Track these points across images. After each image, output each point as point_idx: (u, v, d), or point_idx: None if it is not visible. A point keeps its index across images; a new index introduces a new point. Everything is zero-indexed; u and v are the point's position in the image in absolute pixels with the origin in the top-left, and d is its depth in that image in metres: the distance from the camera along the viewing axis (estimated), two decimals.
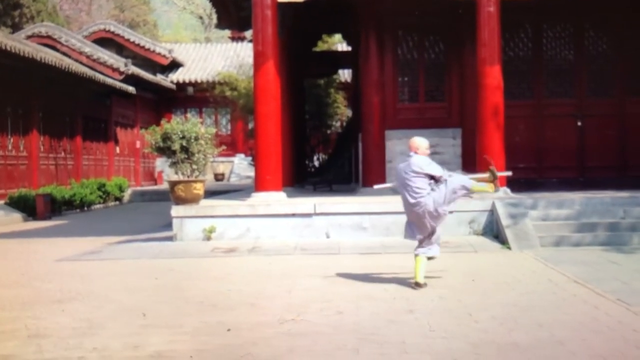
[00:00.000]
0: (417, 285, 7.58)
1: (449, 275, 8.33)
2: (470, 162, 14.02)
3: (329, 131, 27.67)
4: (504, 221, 11.37)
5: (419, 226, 7.86)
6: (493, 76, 12.88)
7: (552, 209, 11.91)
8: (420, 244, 7.87)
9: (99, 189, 23.81)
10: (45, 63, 20.66)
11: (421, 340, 5.51)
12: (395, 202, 12.43)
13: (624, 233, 11.07)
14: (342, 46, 27.79)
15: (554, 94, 15.75)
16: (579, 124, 15.49)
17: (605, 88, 15.75)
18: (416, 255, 7.80)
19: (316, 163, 25.99)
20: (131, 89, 28.75)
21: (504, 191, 12.50)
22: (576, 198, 12.22)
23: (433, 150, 15.21)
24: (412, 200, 7.79)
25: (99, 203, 23.83)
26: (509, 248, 10.68)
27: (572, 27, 15.84)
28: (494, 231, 11.80)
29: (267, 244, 11.56)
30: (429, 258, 7.87)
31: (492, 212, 11.92)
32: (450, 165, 15.16)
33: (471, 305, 6.76)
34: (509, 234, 11.02)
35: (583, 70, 15.71)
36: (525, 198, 12.24)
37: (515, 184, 13.17)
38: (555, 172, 15.42)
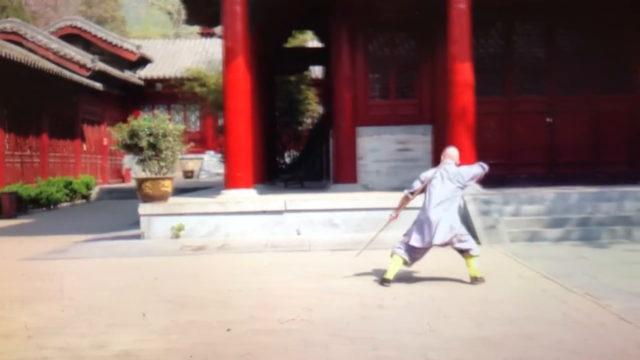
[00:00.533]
0: (386, 281, 7.54)
1: (419, 271, 8.32)
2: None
3: (300, 128, 27.61)
4: (475, 217, 11.43)
5: (425, 235, 7.69)
6: (464, 73, 12.92)
7: (523, 205, 11.99)
8: (406, 249, 7.72)
9: (65, 187, 23.48)
10: (11, 59, 20.26)
11: (391, 336, 5.49)
12: (365, 199, 12.47)
13: (593, 228, 11.19)
14: (313, 43, 27.73)
15: (525, 91, 15.85)
16: (550, 120, 15.62)
17: (575, 85, 15.87)
18: (394, 254, 7.71)
19: (287, 160, 25.92)
20: (98, 85, 28.38)
21: (472, 188, 12.54)
22: (546, 194, 12.31)
23: (404, 147, 15.45)
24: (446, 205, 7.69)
25: (66, 201, 23.51)
26: (479, 243, 10.66)
27: (543, 24, 15.96)
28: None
29: (237, 242, 11.47)
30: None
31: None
32: (421, 161, 15.24)
33: (441, 300, 6.76)
34: (479, 229, 11.07)
35: (554, 68, 15.83)
36: (496, 194, 12.30)
37: (485, 180, 13.18)
38: (526, 169, 15.54)
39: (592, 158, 15.69)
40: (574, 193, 12.28)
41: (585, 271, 8.25)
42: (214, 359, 5.03)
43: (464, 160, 12.76)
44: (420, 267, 8.56)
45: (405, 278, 7.86)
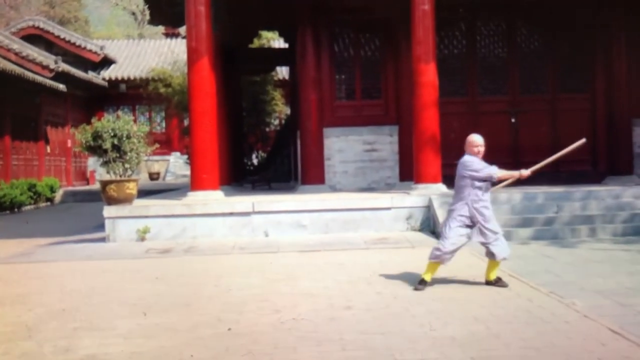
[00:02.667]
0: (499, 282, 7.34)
1: (387, 271, 8.35)
2: (408, 158, 14.14)
3: (267, 129, 27.55)
4: (441, 217, 11.47)
5: None
6: (428, 74, 12.99)
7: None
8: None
9: (29, 189, 23.13)
10: None
11: (359, 336, 5.49)
12: (333, 200, 12.49)
13: (557, 227, 11.35)
14: (279, 42, 27.69)
15: (488, 91, 16.02)
16: (513, 120, 15.80)
17: (537, 85, 16.10)
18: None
19: (255, 161, 25.85)
20: (62, 86, 27.98)
21: (438, 188, 12.64)
22: (512, 194, 12.42)
23: (371, 148, 15.50)
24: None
25: (30, 204, 23.16)
26: None
27: (504, 24, 16.14)
28: (430, 227, 11.92)
29: (204, 244, 11.40)
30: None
31: (429, 207, 12.04)
32: (387, 162, 15.33)
33: (408, 300, 6.79)
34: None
35: (516, 67, 16.02)
36: None
37: (451, 180, 13.25)
38: None
39: None
40: (540, 193, 12.43)
41: (550, 270, 8.36)
42: None
43: (428, 162, 12.92)
44: (387, 268, 8.59)
45: (372, 278, 7.87)
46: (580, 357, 4.87)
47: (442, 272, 8.41)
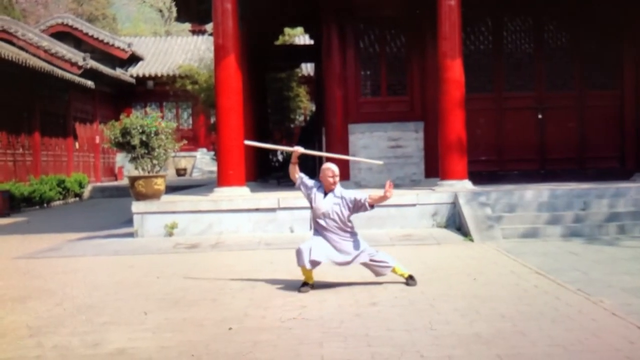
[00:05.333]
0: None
1: (412, 268, 8.34)
2: (433, 155, 14.11)
3: (292, 125, 27.63)
4: (467, 213, 11.46)
5: None
6: (454, 70, 12.94)
7: (514, 202, 12.04)
8: None
9: (58, 185, 23.45)
10: (2, 58, 20.18)
11: (384, 332, 5.51)
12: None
13: (584, 224, 11.25)
14: (305, 39, 27.73)
15: (515, 87, 15.91)
16: (540, 116, 15.68)
17: (565, 81, 15.96)
18: None
19: (280, 157, 25.93)
20: (90, 83, 28.27)
21: (464, 185, 12.59)
22: (538, 190, 12.35)
23: (396, 144, 15.49)
24: None
25: (59, 199, 23.48)
26: (472, 240, 10.76)
27: (531, 20, 16.01)
28: (456, 223, 11.88)
29: (231, 240, 11.48)
30: None
31: (455, 204, 12.00)
32: (412, 158, 15.31)
33: (434, 297, 6.79)
34: (471, 226, 11.10)
35: (543, 63, 15.89)
36: (488, 191, 12.33)
37: (477, 177, 13.29)
38: (517, 165, 15.59)
39: (582, 154, 15.77)
40: (567, 190, 12.33)
41: (577, 267, 8.30)
42: (207, 357, 5.04)
43: (454, 159, 12.87)
44: (412, 265, 8.59)
45: (396, 275, 7.87)
46: (608, 355, 4.85)
47: (467, 269, 8.41)
